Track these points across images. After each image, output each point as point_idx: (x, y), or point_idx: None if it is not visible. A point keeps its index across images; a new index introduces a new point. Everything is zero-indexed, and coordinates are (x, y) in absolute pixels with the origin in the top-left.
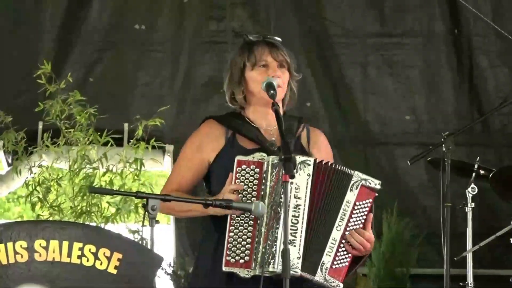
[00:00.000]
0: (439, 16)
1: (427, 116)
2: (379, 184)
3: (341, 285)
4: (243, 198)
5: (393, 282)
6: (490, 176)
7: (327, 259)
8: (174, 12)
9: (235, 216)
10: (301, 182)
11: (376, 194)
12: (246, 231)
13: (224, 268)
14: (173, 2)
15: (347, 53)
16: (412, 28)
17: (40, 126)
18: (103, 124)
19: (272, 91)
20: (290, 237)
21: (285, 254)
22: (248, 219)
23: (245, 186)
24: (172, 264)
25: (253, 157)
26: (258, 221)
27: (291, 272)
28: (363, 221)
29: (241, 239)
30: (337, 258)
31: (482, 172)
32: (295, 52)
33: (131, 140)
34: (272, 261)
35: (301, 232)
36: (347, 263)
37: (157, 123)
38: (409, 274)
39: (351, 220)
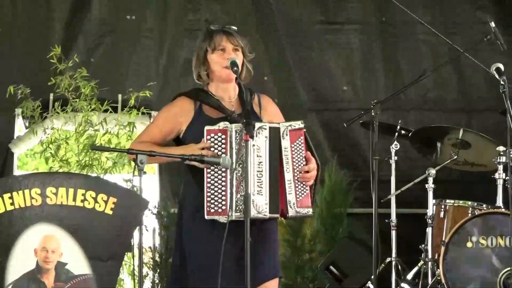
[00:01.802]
0: (371, 7)
1: (361, 87)
2: (302, 123)
3: (311, 210)
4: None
5: (333, 220)
6: (410, 135)
7: (290, 197)
8: (159, 5)
9: (210, 171)
10: (261, 143)
11: (304, 130)
12: (220, 185)
13: (206, 217)
14: None
15: (296, 37)
16: (350, 17)
17: (51, 97)
18: (103, 95)
19: (235, 68)
20: (257, 188)
21: (246, 200)
22: (220, 175)
23: (215, 150)
24: (156, 206)
25: (219, 126)
26: (229, 176)
27: (262, 215)
28: (303, 155)
29: (217, 193)
30: (298, 193)
31: (403, 132)
32: (253, 37)
33: (125, 108)
34: (240, 208)
35: (265, 183)
36: (307, 192)
37: (146, 94)
38: (346, 213)
39: (294, 160)
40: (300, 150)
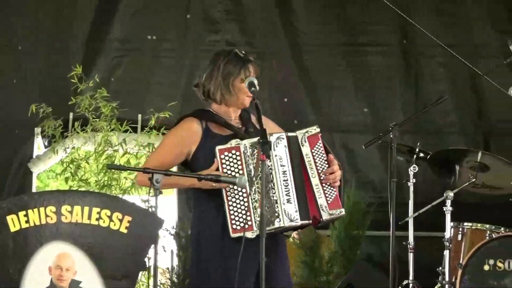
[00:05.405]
0: (391, 30)
1: (381, 109)
2: (317, 127)
3: (343, 210)
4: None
5: (351, 242)
6: (428, 157)
7: (321, 201)
8: (179, 25)
9: (228, 190)
10: (281, 153)
11: (320, 134)
12: (242, 202)
13: (232, 235)
14: (179, 17)
15: (319, 58)
16: (371, 39)
17: (71, 116)
18: (123, 115)
19: (253, 88)
20: (286, 197)
21: (262, 217)
22: (240, 191)
23: (231, 167)
24: (174, 227)
25: (231, 144)
26: (250, 192)
27: (294, 223)
28: (325, 159)
29: (240, 209)
30: (327, 195)
31: (421, 154)
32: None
33: (145, 128)
34: (277, 219)
35: (292, 191)
36: (336, 193)
37: (166, 115)
38: (363, 235)
39: (317, 165)
40: (321, 154)
